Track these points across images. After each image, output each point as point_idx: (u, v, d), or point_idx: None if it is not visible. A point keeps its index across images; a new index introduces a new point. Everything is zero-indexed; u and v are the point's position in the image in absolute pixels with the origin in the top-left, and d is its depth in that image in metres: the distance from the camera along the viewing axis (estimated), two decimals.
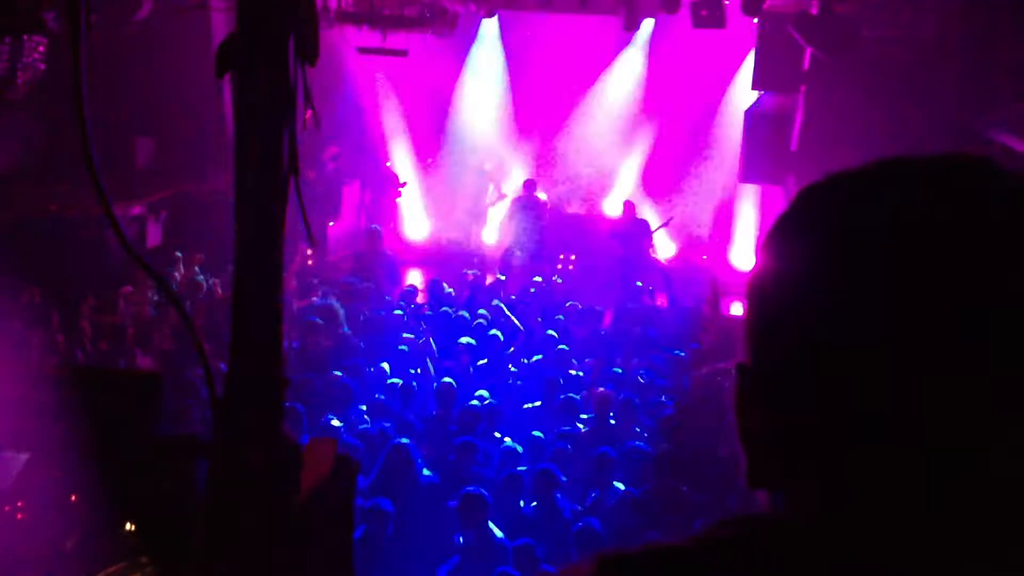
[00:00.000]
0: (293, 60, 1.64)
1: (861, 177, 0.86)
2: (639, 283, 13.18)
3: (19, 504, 2.17)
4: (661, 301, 13.85)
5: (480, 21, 16.40)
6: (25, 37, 4.48)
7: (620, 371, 9.71)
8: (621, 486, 7.25)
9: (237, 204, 1.65)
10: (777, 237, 0.90)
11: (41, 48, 4.47)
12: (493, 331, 10.13)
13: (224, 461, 1.94)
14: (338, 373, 8.59)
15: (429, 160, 16.69)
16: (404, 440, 7.24)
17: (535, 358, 9.91)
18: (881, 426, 0.79)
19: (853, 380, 0.79)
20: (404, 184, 16.50)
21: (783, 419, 0.86)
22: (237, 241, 1.67)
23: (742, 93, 15.15)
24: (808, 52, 12.88)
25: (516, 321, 10.62)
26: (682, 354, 10.08)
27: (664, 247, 15.28)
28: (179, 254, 11.24)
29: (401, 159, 17.25)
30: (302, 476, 2.17)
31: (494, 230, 16.44)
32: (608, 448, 7.45)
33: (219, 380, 1.99)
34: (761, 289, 0.89)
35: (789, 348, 0.84)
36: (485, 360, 9.63)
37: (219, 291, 10.76)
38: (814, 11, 12.17)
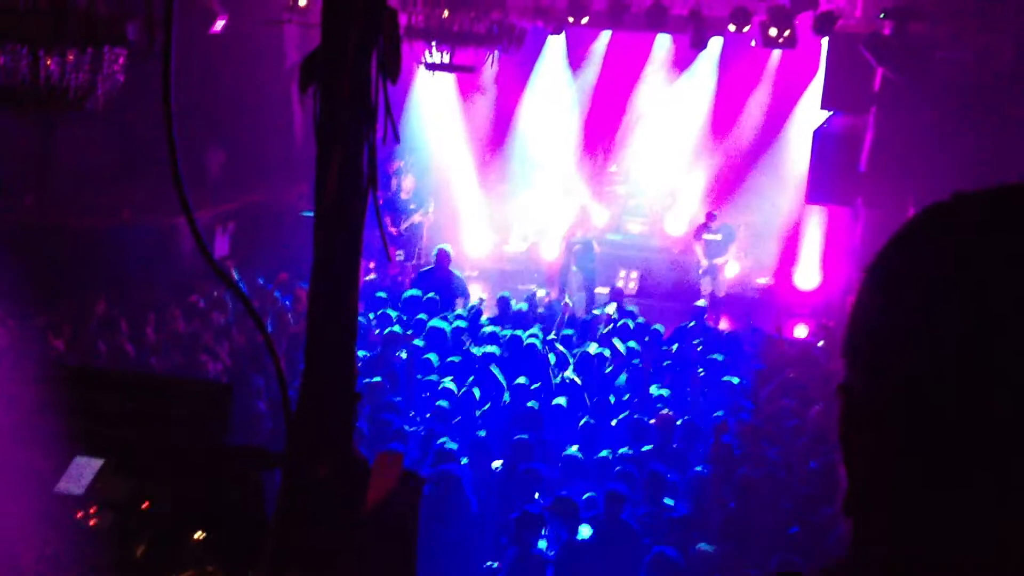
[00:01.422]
0: (375, 76, 1.64)
1: (984, 204, 0.82)
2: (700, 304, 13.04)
3: (92, 510, 2.20)
4: (724, 323, 13.71)
5: (546, 38, 16.45)
6: (106, 48, 4.59)
7: (667, 393, 9.62)
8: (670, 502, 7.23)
9: (317, 216, 1.65)
10: (896, 260, 0.85)
11: (121, 60, 4.57)
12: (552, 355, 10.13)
13: (295, 474, 1.94)
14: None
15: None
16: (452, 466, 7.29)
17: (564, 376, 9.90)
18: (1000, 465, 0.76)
19: (964, 413, 0.76)
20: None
21: (892, 445, 0.82)
22: (315, 254, 1.67)
23: (810, 112, 14.97)
24: (879, 73, 12.68)
25: (566, 352, 10.48)
26: (737, 381, 9.90)
27: (728, 268, 15.11)
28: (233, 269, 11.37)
29: (466, 175, 17.34)
30: (369, 490, 2.17)
31: (555, 247, 16.42)
32: (662, 467, 7.41)
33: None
34: (874, 312, 0.85)
35: (903, 374, 0.80)
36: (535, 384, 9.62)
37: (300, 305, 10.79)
38: (886, 31, 11.99)
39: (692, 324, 12.01)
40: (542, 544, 6.51)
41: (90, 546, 2.15)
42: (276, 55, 14.95)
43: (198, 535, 2.20)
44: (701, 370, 10.31)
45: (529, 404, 8.55)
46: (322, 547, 2.03)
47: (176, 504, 2.25)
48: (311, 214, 1.74)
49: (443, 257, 13.09)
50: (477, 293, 13.68)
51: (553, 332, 11.02)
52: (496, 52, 12.23)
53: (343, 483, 2.05)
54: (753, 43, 13.56)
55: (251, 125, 14.61)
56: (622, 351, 10.36)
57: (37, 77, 4.60)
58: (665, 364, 10.45)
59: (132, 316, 9.93)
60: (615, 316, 11.72)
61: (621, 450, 8.01)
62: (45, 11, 4.51)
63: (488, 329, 10.82)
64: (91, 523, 2.18)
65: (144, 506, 2.21)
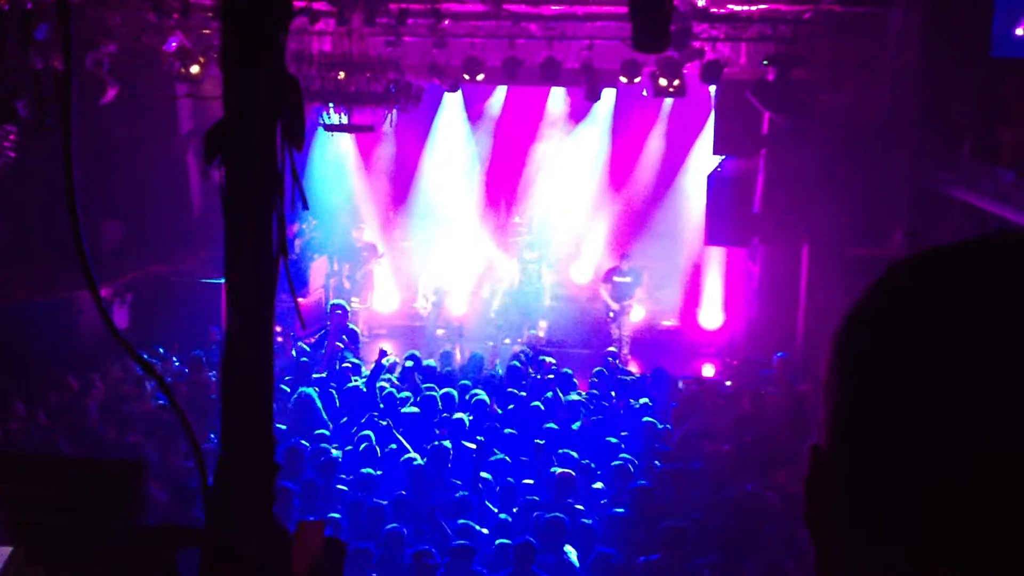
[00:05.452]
0: (280, 145, 1.66)
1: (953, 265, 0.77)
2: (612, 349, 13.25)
3: None
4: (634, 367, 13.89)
5: (443, 95, 16.60)
6: None
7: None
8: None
9: (228, 287, 1.64)
10: (874, 320, 0.79)
11: (12, 136, 4.47)
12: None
13: (217, 549, 1.90)
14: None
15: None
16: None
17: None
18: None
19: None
20: (382, 255, 16.58)
21: (862, 514, 0.77)
22: (228, 324, 1.66)
23: (704, 157, 15.40)
24: (766, 117, 13.14)
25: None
26: (662, 426, 10.00)
27: (634, 312, 15.34)
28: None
29: (370, 232, 17.31)
30: (292, 560, 2.13)
31: (463, 301, 16.42)
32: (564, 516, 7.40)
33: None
34: (858, 376, 0.79)
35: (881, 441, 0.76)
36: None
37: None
38: (771, 77, 12.46)
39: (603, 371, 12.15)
40: None
41: None
42: (169, 123, 14.76)
43: None
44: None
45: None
46: None
47: None
48: (212, 281, 1.74)
49: (338, 315, 13.13)
50: (388, 351, 13.59)
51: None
52: (394, 111, 12.33)
53: (266, 556, 2.02)
54: (645, 93, 13.93)
55: (146, 194, 14.37)
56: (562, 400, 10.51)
57: None
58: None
59: (31, 396, 9.59)
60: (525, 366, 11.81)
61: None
62: None
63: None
64: None
65: None
